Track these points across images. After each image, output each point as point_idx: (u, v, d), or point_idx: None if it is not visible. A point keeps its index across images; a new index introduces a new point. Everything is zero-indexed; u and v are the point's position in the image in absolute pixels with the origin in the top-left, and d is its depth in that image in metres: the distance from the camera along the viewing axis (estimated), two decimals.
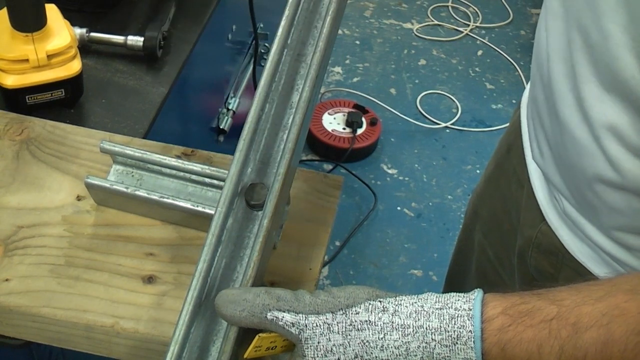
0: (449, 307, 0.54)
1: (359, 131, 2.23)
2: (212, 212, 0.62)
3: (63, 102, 0.95)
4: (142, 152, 0.75)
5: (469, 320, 0.53)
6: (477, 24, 2.79)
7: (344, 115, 2.27)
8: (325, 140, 2.21)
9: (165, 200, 0.73)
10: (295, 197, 0.79)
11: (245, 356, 0.57)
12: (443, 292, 0.56)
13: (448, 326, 0.53)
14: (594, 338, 0.52)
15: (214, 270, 0.61)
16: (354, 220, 2.06)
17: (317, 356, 0.54)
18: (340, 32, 2.73)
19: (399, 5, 2.87)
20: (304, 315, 0.55)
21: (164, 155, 0.75)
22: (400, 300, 0.55)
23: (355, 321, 0.55)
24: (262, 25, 1.58)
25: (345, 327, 0.55)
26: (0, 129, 0.83)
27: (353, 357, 0.54)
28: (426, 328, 0.54)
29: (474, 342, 0.53)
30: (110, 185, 0.74)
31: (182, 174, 0.75)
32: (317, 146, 2.24)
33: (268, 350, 0.57)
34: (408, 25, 2.78)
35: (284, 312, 0.55)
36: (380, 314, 0.55)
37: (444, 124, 2.38)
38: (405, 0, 2.88)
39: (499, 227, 0.91)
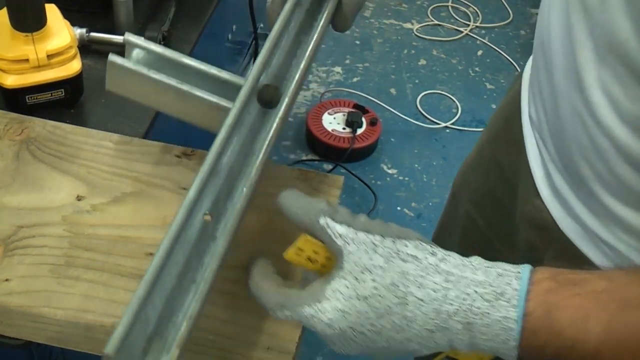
0: (497, 267, 0.54)
1: (359, 131, 2.23)
2: (228, 105, 0.65)
3: (63, 102, 0.95)
4: (163, 48, 0.75)
5: (516, 279, 0.53)
6: (477, 24, 2.79)
7: (344, 115, 2.27)
8: (325, 140, 2.21)
9: (183, 87, 0.72)
10: None
11: (284, 255, 0.57)
12: None
13: (493, 282, 0.53)
14: None
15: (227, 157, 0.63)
16: None
17: (354, 271, 0.54)
18: None
19: (399, 5, 2.87)
20: (354, 230, 0.55)
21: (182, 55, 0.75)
22: (450, 253, 0.55)
23: (402, 251, 0.55)
24: (262, 25, 1.58)
25: (390, 253, 0.55)
26: (0, 129, 0.83)
27: (389, 283, 0.53)
28: (470, 280, 0.53)
29: (517, 300, 0.52)
30: (133, 65, 0.73)
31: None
32: (317, 146, 2.24)
33: (308, 260, 0.57)
34: (408, 25, 2.78)
35: (337, 222, 0.56)
36: (427, 255, 0.55)
37: (444, 124, 2.38)
38: (405, 0, 2.88)
39: (492, 196, 0.91)
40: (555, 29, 0.69)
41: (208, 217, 0.61)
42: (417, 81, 2.55)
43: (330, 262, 0.57)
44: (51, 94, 0.93)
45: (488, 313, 0.52)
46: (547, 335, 0.52)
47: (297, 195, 0.58)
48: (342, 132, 2.23)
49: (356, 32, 2.73)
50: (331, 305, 0.54)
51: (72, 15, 1.00)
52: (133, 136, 0.86)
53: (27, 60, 0.89)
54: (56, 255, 0.71)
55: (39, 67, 0.90)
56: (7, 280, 0.69)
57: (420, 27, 2.77)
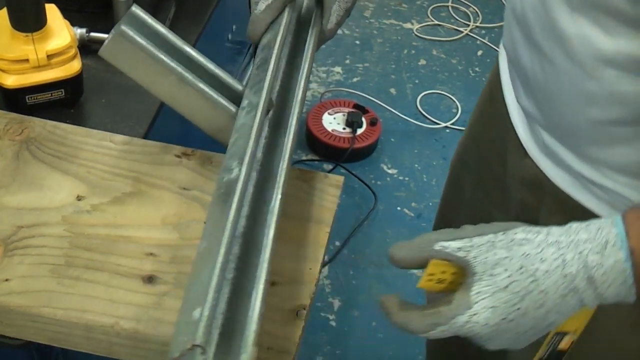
0: (594, 223, 0.60)
1: (359, 131, 2.23)
2: (227, 104, 0.71)
3: (63, 102, 0.95)
4: (167, 30, 0.76)
5: (613, 227, 0.59)
6: (477, 24, 2.79)
7: (344, 115, 2.27)
8: (325, 140, 2.21)
9: (187, 75, 0.74)
10: (295, 197, 0.79)
11: (418, 285, 0.62)
12: None
13: (596, 235, 0.59)
14: None
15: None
16: (354, 220, 2.06)
17: (487, 269, 0.60)
18: (340, 32, 2.73)
19: (399, 5, 2.87)
20: (468, 239, 0.61)
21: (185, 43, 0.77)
22: (550, 228, 0.61)
23: (515, 238, 0.61)
24: None
25: (507, 243, 0.60)
26: (0, 129, 0.83)
27: (518, 267, 0.59)
28: (577, 240, 0.59)
29: (621, 242, 0.58)
30: (145, 42, 0.73)
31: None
32: (317, 146, 2.24)
33: (438, 283, 0.62)
34: (408, 25, 2.78)
35: (449, 241, 0.61)
36: (535, 234, 0.61)
37: (444, 124, 2.38)
38: (405, 0, 2.88)
39: (489, 169, 0.96)
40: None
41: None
42: (417, 81, 2.55)
43: (456, 277, 0.62)
44: (51, 94, 0.93)
45: (601, 264, 0.58)
46: None
47: (402, 245, 0.62)
48: (342, 132, 2.23)
49: (356, 32, 2.73)
50: (481, 306, 0.60)
51: (72, 15, 1.00)
52: (133, 136, 0.86)
53: (27, 60, 0.89)
54: (56, 255, 0.71)
55: (39, 67, 0.90)
56: (7, 280, 0.69)
57: (420, 27, 2.77)
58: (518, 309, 0.60)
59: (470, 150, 1.02)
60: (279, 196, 0.66)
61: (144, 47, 0.73)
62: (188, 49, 0.77)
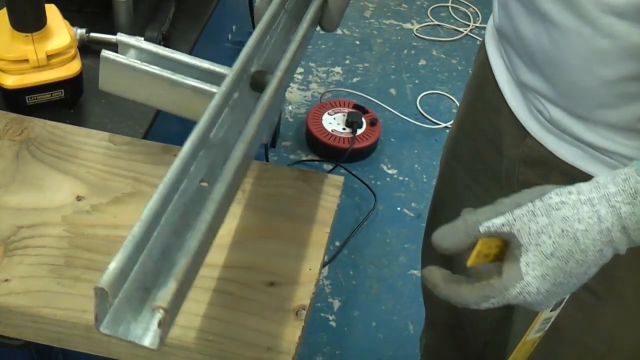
0: (619, 175, 0.61)
1: (359, 131, 2.23)
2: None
3: (63, 102, 0.95)
4: (155, 46, 0.78)
5: (638, 175, 0.60)
6: (477, 24, 2.79)
7: (344, 115, 2.27)
8: (325, 141, 2.21)
9: (176, 77, 0.75)
10: (295, 197, 0.79)
11: (468, 264, 0.63)
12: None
13: (624, 187, 0.61)
14: None
15: (214, 132, 0.65)
16: (354, 221, 2.06)
17: (532, 239, 0.61)
18: (340, 32, 2.74)
19: (399, 5, 2.87)
20: (509, 213, 0.62)
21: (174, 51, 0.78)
22: (579, 185, 0.63)
23: (552, 204, 0.62)
24: None
25: (546, 210, 0.62)
26: (0, 129, 0.83)
27: (560, 232, 0.61)
28: (607, 194, 0.61)
29: None
30: (126, 59, 0.76)
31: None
32: (317, 146, 2.24)
33: (486, 257, 0.64)
34: (408, 26, 2.78)
35: (491, 219, 0.62)
36: (568, 195, 0.62)
37: (444, 124, 2.38)
38: (405, 1, 2.88)
39: (482, 160, 0.97)
40: None
41: (205, 184, 0.63)
42: (417, 81, 2.55)
43: (501, 248, 0.64)
44: (51, 94, 0.93)
45: (634, 212, 0.60)
46: None
47: (446, 231, 0.63)
48: (342, 133, 2.23)
49: (356, 32, 2.73)
50: (532, 276, 0.61)
51: (72, 15, 1.00)
52: (133, 136, 0.86)
53: (27, 60, 0.89)
54: (56, 256, 0.71)
55: (39, 68, 0.90)
56: (7, 280, 0.69)
57: (420, 27, 2.77)
58: (564, 272, 0.62)
59: (461, 144, 1.03)
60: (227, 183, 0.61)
61: (128, 65, 0.76)
62: (176, 55, 0.78)
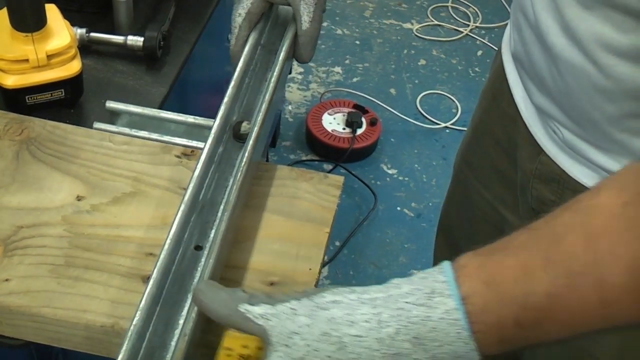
0: (419, 273, 0.52)
1: (359, 131, 2.23)
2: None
3: (63, 102, 0.95)
4: (142, 108, 0.86)
5: (440, 273, 0.51)
6: (477, 24, 2.79)
7: (344, 115, 2.27)
8: (325, 141, 2.21)
9: (165, 139, 0.82)
10: (295, 197, 0.79)
11: None
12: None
13: (419, 285, 0.51)
14: (575, 238, 0.50)
15: (203, 193, 0.71)
16: (354, 220, 2.06)
17: (281, 339, 0.52)
18: (340, 32, 2.74)
19: (399, 5, 2.87)
20: (271, 306, 0.53)
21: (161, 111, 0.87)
22: (369, 286, 0.54)
23: (321, 302, 0.53)
24: None
25: (310, 309, 0.52)
26: (0, 129, 0.83)
27: (319, 334, 0.51)
28: (397, 295, 0.51)
29: (449, 288, 0.50)
30: (117, 128, 0.84)
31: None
32: (317, 146, 2.24)
33: (241, 358, 0.56)
34: (408, 25, 2.78)
35: (254, 305, 0.54)
36: (347, 294, 0.53)
37: (443, 124, 2.38)
38: (405, 0, 2.88)
39: (495, 169, 0.95)
40: (538, 2, 0.74)
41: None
42: (417, 81, 2.55)
43: (262, 352, 0.55)
44: (51, 94, 0.93)
45: (428, 316, 0.50)
46: (497, 306, 0.50)
47: (210, 290, 0.56)
48: (342, 132, 2.23)
49: (356, 32, 2.73)
50: None
51: (72, 15, 1.00)
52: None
53: (27, 60, 0.89)
54: (56, 256, 0.71)
55: (39, 67, 0.90)
56: (7, 280, 0.69)
57: (420, 27, 2.77)
58: None
59: (474, 151, 1.02)
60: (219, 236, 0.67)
61: (119, 132, 0.84)
62: (159, 114, 0.86)
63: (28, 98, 0.92)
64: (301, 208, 0.78)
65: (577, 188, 0.79)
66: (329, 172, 2.10)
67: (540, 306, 0.50)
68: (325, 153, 2.23)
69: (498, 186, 0.96)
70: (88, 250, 0.72)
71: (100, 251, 0.72)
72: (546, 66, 0.76)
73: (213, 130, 0.74)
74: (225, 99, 0.76)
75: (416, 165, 2.27)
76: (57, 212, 0.75)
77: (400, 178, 2.23)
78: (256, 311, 0.53)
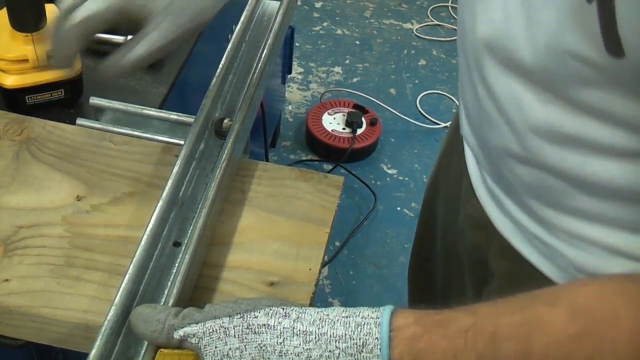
0: (356, 316, 0.52)
1: (359, 131, 2.23)
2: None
3: (63, 102, 0.95)
4: (125, 105, 0.84)
5: (375, 327, 0.50)
6: None
7: (344, 115, 2.27)
8: (325, 141, 2.21)
9: (146, 135, 0.82)
10: (295, 197, 0.79)
11: None
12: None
13: (353, 333, 0.51)
14: (512, 349, 0.49)
15: (183, 189, 0.73)
16: (354, 220, 2.06)
17: None
18: (340, 32, 2.74)
19: (398, 5, 2.87)
20: (202, 324, 0.54)
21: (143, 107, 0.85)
22: (305, 310, 0.53)
23: (253, 324, 0.52)
24: None
25: (242, 330, 0.52)
26: (0, 129, 0.83)
27: None
28: (330, 335, 0.51)
29: (380, 349, 0.50)
30: (100, 124, 0.84)
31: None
32: (316, 146, 2.24)
33: None
34: (408, 26, 2.78)
35: (185, 327, 0.54)
36: (280, 319, 0.53)
37: (443, 124, 2.38)
38: (405, 0, 2.88)
39: (453, 202, 0.90)
40: (463, 41, 0.69)
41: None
42: (416, 81, 2.55)
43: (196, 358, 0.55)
44: (51, 94, 0.93)
45: None
46: None
47: (145, 318, 0.57)
48: (342, 132, 2.23)
49: (356, 32, 2.73)
50: None
51: None
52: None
53: (27, 60, 0.89)
54: (56, 256, 0.71)
55: (39, 67, 0.90)
56: (7, 280, 0.69)
57: (420, 27, 2.77)
58: None
59: (440, 178, 0.98)
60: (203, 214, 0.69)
61: (102, 128, 0.84)
62: (142, 111, 0.84)
63: (28, 98, 0.92)
64: (301, 208, 0.78)
65: (503, 242, 0.74)
66: (329, 172, 2.10)
67: None
68: (325, 153, 2.23)
69: (454, 221, 0.90)
70: (88, 250, 0.72)
71: (100, 251, 0.72)
72: (472, 106, 0.71)
73: (193, 127, 0.75)
74: (207, 96, 0.77)
75: (416, 165, 2.27)
76: (57, 212, 0.75)
77: (400, 178, 2.23)
78: (187, 331, 0.54)
